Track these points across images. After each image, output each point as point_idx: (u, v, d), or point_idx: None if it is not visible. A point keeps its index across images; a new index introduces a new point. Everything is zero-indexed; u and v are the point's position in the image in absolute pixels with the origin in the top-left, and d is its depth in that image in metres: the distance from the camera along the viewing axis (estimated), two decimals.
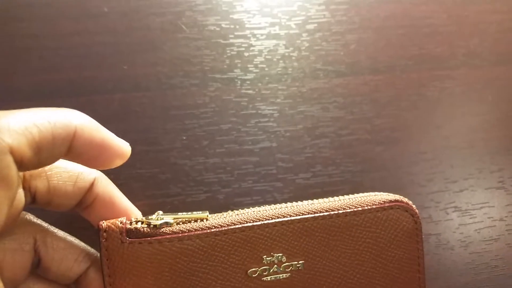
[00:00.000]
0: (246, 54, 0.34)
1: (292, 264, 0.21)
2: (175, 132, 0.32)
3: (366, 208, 0.23)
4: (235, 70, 0.34)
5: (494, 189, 0.34)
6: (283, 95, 0.34)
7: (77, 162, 0.20)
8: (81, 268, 0.20)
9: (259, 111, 0.33)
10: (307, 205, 0.23)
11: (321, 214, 0.22)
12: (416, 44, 0.37)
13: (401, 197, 0.24)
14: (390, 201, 0.23)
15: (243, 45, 0.34)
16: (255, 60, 0.34)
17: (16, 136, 0.16)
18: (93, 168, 0.21)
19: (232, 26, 0.34)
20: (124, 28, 0.33)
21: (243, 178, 0.32)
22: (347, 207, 0.23)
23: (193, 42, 0.34)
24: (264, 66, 0.34)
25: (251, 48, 0.34)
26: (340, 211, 0.22)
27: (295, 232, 0.22)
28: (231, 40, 0.34)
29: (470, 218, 0.33)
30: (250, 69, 0.34)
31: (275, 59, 0.35)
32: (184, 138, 0.32)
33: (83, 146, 0.19)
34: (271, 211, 0.22)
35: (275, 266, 0.21)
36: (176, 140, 0.32)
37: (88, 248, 0.22)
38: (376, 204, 0.23)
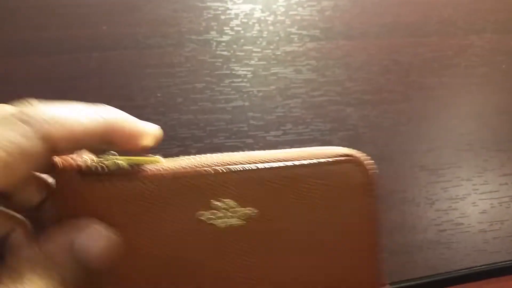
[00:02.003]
0: (222, 17, 0.35)
1: (244, 212, 0.22)
2: (150, 89, 0.33)
3: (320, 160, 0.23)
4: (211, 32, 0.35)
5: (463, 151, 0.35)
6: (257, 57, 0.35)
7: (110, 149, 0.22)
8: (41, 197, 0.21)
9: (233, 72, 0.34)
10: (261, 154, 0.23)
11: (275, 164, 0.22)
12: (390, 12, 0.38)
13: (355, 151, 0.24)
14: (343, 155, 0.23)
15: (220, 8, 0.35)
16: (231, 23, 0.35)
17: (58, 127, 0.18)
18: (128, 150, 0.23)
19: None
20: None
21: (215, 134, 0.33)
22: (301, 158, 0.23)
23: (171, 4, 0.35)
24: (240, 29, 0.35)
25: (228, 12, 0.35)
26: (295, 162, 0.22)
27: (248, 180, 0.22)
28: (208, 3, 0.35)
29: (438, 177, 0.34)
30: (226, 31, 0.35)
31: (250, 23, 0.36)
32: (159, 95, 0.33)
33: (116, 138, 0.20)
34: (225, 157, 0.23)
35: (225, 211, 0.22)
36: (151, 97, 0.33)
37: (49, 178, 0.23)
38: (329, 157, 0.23)
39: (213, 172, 0.22)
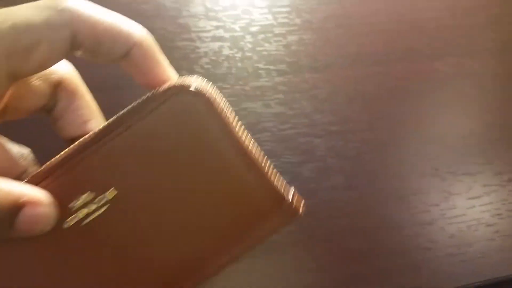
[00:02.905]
0: (192, 55, 0.36)
1: (102, 199, 0.19)
2: None
3: (149, 108, 0.19)
4: (181, 71, 0.36)
5: (429, 176, 0.37)
6: (227, 93, 0.36)
7: (129, 71, 0.20)
8: None
9: None
10: (100, 130, 0.20)
11: (109, 136, 0.19)
12: (353, 43, 0.39)
13: (184, 78, 0.20)
14: (170, 89, 0.19)
15: (189, 47, 0.37)
16: (201, 61, 0.37)
17: (84, 18, 0.18)
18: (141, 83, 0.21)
19: (178, 30, 0.37)
20: None
21: None
22: (133, 115, 0.19)
23: None
24: (210, 67, 0.37)
25: (197, 50, 0.37)
26: (119, 129, 0.19)
27: (96, 164, 0.19)
28: (177, 43, 0.36)
29: (405, 204, 0.35)
30: (196, 69, 0.36)
31: (220, 60, 0.37)
32: None
33: (139, 59, 0.19)
34: (58, 158, 0.19)
35: (87, 207, 0.19)
36: None
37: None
38: (157, 99, 0.19)
39: (65, 169, 0.19)
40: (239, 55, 0.37)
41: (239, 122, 0.20)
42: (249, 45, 0.37)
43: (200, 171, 0.19)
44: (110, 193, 0.19)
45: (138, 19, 0.36)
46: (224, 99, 0.20)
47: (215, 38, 0.37)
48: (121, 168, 0.19)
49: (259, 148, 0.20)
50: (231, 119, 0.20)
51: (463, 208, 0.36)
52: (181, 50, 0.36)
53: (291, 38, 0.38)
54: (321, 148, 0.36)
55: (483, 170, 0.38)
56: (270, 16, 0.39)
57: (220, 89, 0.36)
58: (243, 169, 0.19)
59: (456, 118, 0.39)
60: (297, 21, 0.39)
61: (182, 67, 0.36)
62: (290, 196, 0.20)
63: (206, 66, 0.37)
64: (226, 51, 0.37)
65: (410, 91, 0.39)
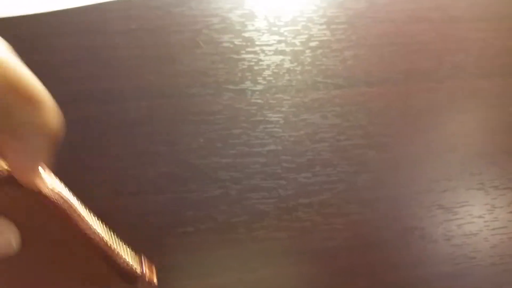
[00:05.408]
0: (256, 68, 0.39)
1: None
2: (192, 135, 0.37)
3: None
4: (246, 82, 0.38)
5: (475, 190, 0.39)
6: (287, 105, 0.39)
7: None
8: None
9: (267, 118, 0.38)
10: None
11: None
12: (405, 60, 0.41)
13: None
14: None
15: (253, 60, 0.39)
16: (264, 73, 0.39)
17: None
18: None
19: (244, 43, 0.39)
20: (149, 43, 0.38)
21: (252, 176, 0.36)
22: None
23: (209, 56, 0.38)
24: (272, 78, 0.39)
25: (260, 63, 0.39)
26: None
27: None
28: (243, 56, 0.39)
29: (453, 215, 0.38)
30: (259, 81, 0.39)
31: (281, 73, 0.39)
32: (201, 140, 0.36)
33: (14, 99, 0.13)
34: None
35: None
36: (193, 142, 0.36)
37: None
38: None
39: None
40: (299, 68, 0.40)
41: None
42: (309, 59, 0.40)
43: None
44: None
45: (205, 31, 0.39)
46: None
47: (277, 52, 0.40)
48: None
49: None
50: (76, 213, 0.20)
51: (505, 221, 0.38)
52: (246, 62, 0.39)
53: (347, 53, 0.41)
54: (375, 159, 0.38)
55: None
56: (328, 32, 0.41)
57: (281, 100, 0.38)
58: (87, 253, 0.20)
59: (500, 135, 0.41)
60: (353, 37, 0.41)
61: (247, 78, 0.38)
62: (143, 269, 0.21)
63: (268, 78, 0.39)
64: (287, 64, 0.40)
65: (457, 107, 0.41)
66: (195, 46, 0.38)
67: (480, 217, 0.38)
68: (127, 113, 0.36)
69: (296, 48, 0.40)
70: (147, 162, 0.35)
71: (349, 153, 0.38)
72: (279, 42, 0.40)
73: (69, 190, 0.20)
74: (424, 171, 0.38)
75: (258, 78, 0.39)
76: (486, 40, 0.44)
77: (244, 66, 0.39)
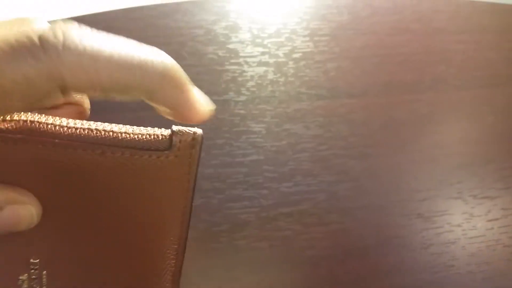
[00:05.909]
0: (239, 79, 0.40)
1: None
2: None
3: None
4: (230, 93, 0.39)
5: (453, 199, 0.40)
6: (270, 115, 0.39)
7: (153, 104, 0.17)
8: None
9: (249, 129, 0.39)
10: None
11: None
12: (387, 72, 0.42)
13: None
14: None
15: (237, 71, 0.40)
16: (247, 84, 0.40)
17: (77, 71, 0.14)
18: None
19: (227, 55, 0.40)
20: None
21: (234, 186, 0.37)
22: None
23: (194, 68, 0.39)
24: (255, 89, 0.40)
25: (244, 74, 0.40)
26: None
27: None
28: (227, 67, 0.40)
29: (432, 223, 0.39)
30: (243, 92, 0.40)
31: (264, 84, 0.40)
32: None
33: (167, 93, 0.16)
34: None
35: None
36: None
37: None
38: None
39: None
40: (282, 79, 0.40)
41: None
42: (292, 71, 0.41)
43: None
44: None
45: (190, 43, 0.40)
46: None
47: (261, 63, 0.40)
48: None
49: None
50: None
51: (483, 229, 0.39)
52: (230, 73, 0.40)
53: (330, 65, 0.41)
54: (356, 169, 0.39)
55: (502, 194, 0.41)
56: (311, 44, 0.42)
57: (264, 111, 0.39)
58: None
59: (478, 145, 0.42)
60: (336, 49, 0.42)
61: (230, 89, 0.39)
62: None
63: (252, 89, 0.40)
64: (270, 76, 0.40)
65: (438, 119, 0.42)
66: (180, 57, 0.39)
67: (458, 225, 0.39)
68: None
69: (279, 60, 0.41)
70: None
71: (330, 163, 0.39)
72: (263, 53, 0.41)
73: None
74: (404, 181, 0.39)
75: (242, 89, 0.39)
76: (467, 52, 0.45)
77: (228, 77, 0.39)
